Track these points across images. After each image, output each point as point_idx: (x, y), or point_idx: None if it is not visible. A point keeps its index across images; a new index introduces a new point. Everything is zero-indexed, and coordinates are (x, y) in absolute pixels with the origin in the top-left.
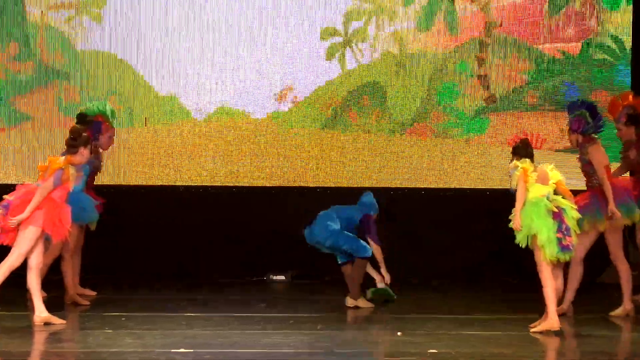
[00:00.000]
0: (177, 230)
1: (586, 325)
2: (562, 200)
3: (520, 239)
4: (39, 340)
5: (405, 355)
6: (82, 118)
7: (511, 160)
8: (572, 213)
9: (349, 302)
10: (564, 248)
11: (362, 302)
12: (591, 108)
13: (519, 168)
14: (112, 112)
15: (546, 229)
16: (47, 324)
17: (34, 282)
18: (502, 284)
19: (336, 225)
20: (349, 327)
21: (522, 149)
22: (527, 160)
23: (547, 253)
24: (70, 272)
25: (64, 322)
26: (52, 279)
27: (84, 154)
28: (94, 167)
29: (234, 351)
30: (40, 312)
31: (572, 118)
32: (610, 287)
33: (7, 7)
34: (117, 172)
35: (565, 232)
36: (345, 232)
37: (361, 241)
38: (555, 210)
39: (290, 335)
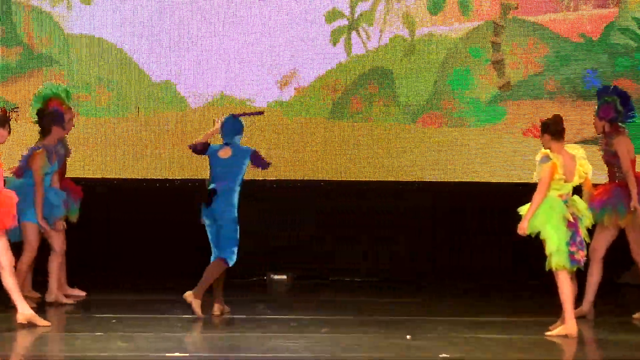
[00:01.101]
0: (172, 226)
1: (606, 329)
2: (580, 205)
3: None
4: (22, 343)
5: None
6: (41, 113)
7: (542, 135)
8: (587, 222)
9: (187, 295)
10: (573, 261)
11: (196, 304)
12: (623, 95)
13: (549, 161)
14: (67, 92)
15: (557, 238)
16: (30, 323)
17: (9, 281)
18: (515, 284)
19: (234, 212)
20: (355, 330)
21: (553, 126)
22: (560, 157)
23: (553, 262)
24: (57, 272)
25: (48, 323)
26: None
27: (2, 134)
28: (63, 154)
29: (232, 355)
30: (24, 310)
31: (601, 104)
32: (632, 288)
33: None
34: (107, 165)
35: (579, 246)
36: (235, 227)
37: (236, 248)
38: (571, 220)
39: (292, 338)
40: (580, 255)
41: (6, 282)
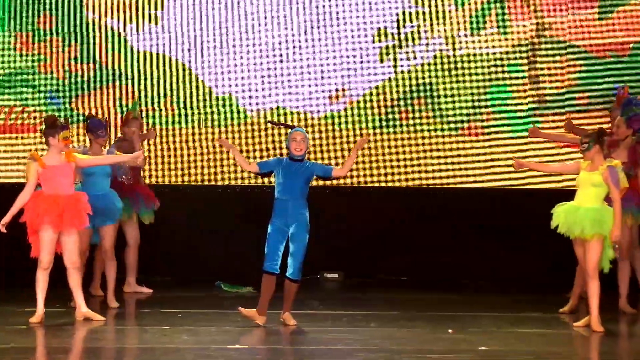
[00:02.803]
0: (232, 229)
1: None
2: None
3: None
4: (97, 336)
5: (456, 352)
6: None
7: (587, 148)
8: None
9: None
10: None
11: (288, 319)
12: None
13: (621, 169)
14: (135, 104)
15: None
16: (87, 319)
17: (73, 279)
18: (556, 284)
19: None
20: (402, 324)
21: (601, 137)
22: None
23: (605, 265)
24: (99, 275)
25: (103, 318)
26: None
27: (51, 143)
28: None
29: (288, 347)
30: (81, 307)
31: (633, 115)
32: None
33: (68, 8)
34: (177, 172)
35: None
36: None
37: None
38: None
39: (343, 332)
40: None
41: (71, 279)
